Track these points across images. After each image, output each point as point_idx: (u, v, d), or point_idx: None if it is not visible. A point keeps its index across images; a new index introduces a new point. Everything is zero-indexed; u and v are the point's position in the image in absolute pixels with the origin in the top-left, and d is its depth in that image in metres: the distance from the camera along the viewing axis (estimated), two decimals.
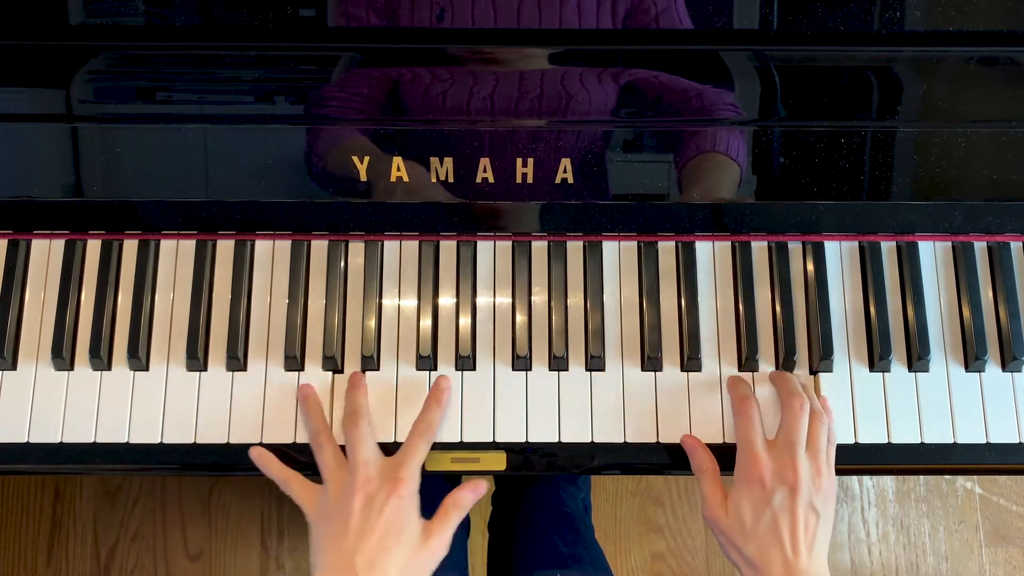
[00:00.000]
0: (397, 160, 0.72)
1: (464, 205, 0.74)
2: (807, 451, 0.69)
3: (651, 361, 0.75)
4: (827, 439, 0.71)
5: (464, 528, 1.01)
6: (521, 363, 0.75)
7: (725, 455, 0.72)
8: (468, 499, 0.70)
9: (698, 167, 0.72)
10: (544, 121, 0.71)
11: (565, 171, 0.72)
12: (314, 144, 0.72)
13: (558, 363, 0.75)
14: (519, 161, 0.72)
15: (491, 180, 0.72)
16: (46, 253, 0.77)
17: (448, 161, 0.72)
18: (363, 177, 0.72)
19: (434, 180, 0.72)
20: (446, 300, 0.76)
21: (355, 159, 0.72)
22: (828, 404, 0.74)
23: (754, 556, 0.67)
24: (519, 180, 0.72)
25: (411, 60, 0.70)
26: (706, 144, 0.72)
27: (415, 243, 0.77)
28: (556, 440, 0.74)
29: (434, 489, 1.01)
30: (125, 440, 0.73)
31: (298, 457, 0.73)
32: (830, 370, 0.75)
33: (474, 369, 0.75)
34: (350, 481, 0.67)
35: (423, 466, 0.71)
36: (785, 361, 0.75)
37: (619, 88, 0.71)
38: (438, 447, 0.73)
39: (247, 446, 0.73)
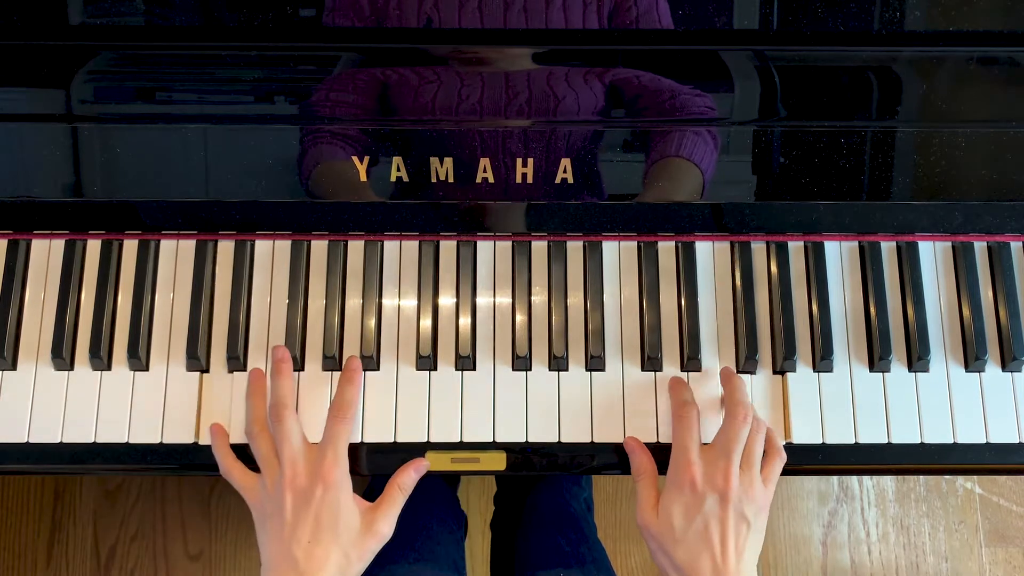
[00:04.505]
0: (397, 160, 0.72)
1: (464, 205, 0.74)
2: (742, 461, 0.69)
3: (651, 361, 0.75)
4: (761, 450, 0.70)
5: (462, 529, 1.01)
6: (521, 363, 0.75)
7: None
8: (412, 479, 0.71)
9: (661, 171, 0.72)
10: (544, 121, 0.71)
11: (565, 171, 0.72)
12: (314, 144, 0.72)
13: (558, 363, 0.75)
14: (519, 161, 0.72)
15: (491, 180, 0.72)
16: (46, 253, 0.77)
17: (448, 161, 0.72)
18: (363, 177, 0.72)
19: (434, 180, 0.72)
20: (446, 300, 0.76)
21: (355, 159, 0.72)
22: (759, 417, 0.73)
23: (683, 562, 0.67)
24: (519, 180, 0.72)
25: (412, 60, 0.70)
26: (670, 149, 0.71)
27: (415, 243, 0.77)
28: (556, 440, 0.74)
29: (434, 488, 1.01)
30: (125, 440, 0.73)
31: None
32: (830, 370, 0.75)
33: (474, 369, 0.75)
34: (280, 477, 0.68)
35: (428, 468, 0.72)
36: (785, 361, 0.75)
37: (620, 88, 0.71)
38: (438, 447, 0.73)
39: (247, 446, 0.73)
